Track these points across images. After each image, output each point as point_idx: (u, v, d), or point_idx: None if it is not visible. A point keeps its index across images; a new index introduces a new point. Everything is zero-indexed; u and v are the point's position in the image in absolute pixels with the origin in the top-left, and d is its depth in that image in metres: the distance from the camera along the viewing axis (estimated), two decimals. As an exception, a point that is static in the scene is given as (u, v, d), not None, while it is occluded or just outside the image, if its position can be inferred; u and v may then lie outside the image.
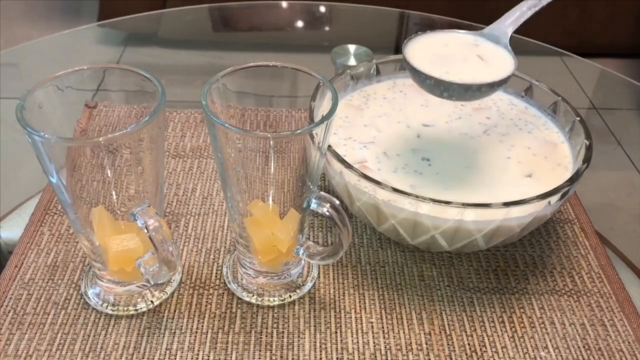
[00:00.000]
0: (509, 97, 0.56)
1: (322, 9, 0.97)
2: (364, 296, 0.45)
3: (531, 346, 0.42)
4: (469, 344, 0.42)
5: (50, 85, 0.38)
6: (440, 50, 0.47)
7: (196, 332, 0.42)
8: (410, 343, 0.42)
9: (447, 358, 0.41)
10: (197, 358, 0.40)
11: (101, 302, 0.43)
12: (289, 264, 0.44)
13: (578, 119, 0.49)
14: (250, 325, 0.43)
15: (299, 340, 0.42)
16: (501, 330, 0.43)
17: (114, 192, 0.39)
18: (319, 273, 0.47)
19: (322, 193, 0.39)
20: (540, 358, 0.42)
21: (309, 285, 0.45)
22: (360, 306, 0.44)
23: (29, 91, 0.37)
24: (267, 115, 0.54)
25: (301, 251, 0.42)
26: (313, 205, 0.39)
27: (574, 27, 1.55)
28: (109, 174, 0.38)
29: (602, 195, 0.67)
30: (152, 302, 0.44)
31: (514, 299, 0.45)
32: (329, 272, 0.47)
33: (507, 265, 0.48)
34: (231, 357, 0.41)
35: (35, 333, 0.42)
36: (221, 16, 1.01)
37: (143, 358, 0.40)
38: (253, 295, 0.44)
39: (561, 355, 0.42)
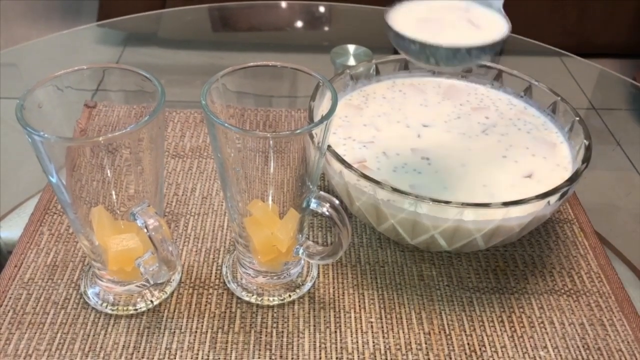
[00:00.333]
0: (508, 97, 0.56)
1: (322, 9, 0.97)
2: (363, 296, 0.45)
3: (530, 346, 0.42)
4: (468, 344, 0.42)
5: (50, 85, 0.38)
6: (427, 16, 0.43)
7: (196, 331, 0.42)
8: (410, 343, 0.42)
9: (446, 358, 0.41)
10: (197, 357, 0.40)
11: (101, 301, 0.43)
12: (289, 263, 0.44)
13: (577, 119, 0.50)
14: (250, 324, 0.43)
15: (298, 340, 0.42)
16: (500, 330, 0.43)
17: (113, 192, 0.39)
18: (318, 273, 0.47)
19: (322, 193, 0.39)
20: (540, 358, 0.42)
21: (308, 285, 0.45)
22: (359, 306, 0.44)
23: (29, 91, 0.37)
24: (267, 115, 0.55)
25: (301, 251, 0.42)
26: (313, 205, 0.39)
27: (573, 27, 1.55)
28: (109, 174, 0.38)
29: (601, 195, 0.67)
30: (151, 301, 0.44)
31: (514, 299, 0.46)
32: (329, 272, 0.47)
33: (507, 265, 0.48)
34: (231, 356, 0.41)
35: (35, 333, 0.42)
36: (221, 16, 1.01)
37: (143, 358, 0.40)
38: (253, 295, 0.44)
39: (560, 355, 0.42)
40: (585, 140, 0.47)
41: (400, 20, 0.42)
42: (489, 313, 0.44)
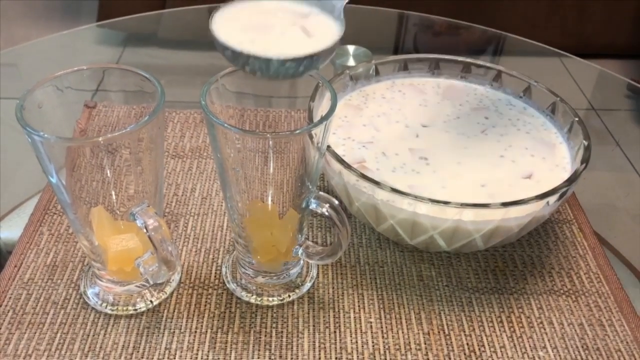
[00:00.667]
0: (507, 97, 0.56)
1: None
2: (362, 296, 0.45)
3: (530, 346, 0.42)
4: (467, 344, 0.42)
5: (49, 85, 0.38)
6: (258, 19, 0.39)
7: (195, 331, 0.42)
8: (409, 343, 0.42)
9: (445, 358, 0.41)
10: (197, 358, 0.40)
11: (100, 301, 0.43)
12: (288, 263, 0.44)
13: (576, 119, 0.50)
14: (250, 325, 0.43)
15: (298, 340, 0.42)
16: (500, 330, 0.43)
17: (113, 192, 0.39)
18: (318, 273, 0.47)
19: (321, 193, 0.39)
20: (539, 358, 0.42)
21: (308, 285, 0.46)
22: (359, 306, 0.44)
23: (29, 91, 0.37)
24: (267, 116, 0.55)
25: (300, 251, 0.42)
26: (312, 206, 0.39)
27: (572, 28, 1.55)
28: (109, 174, 0.38)
29: (600, 195, 0.67)
30: (151, 301, 0.44)
31: (513, 299, 0.46)
32: (328, 272, 0.47)
33: (506, 266, 0.48)
34: (230, 356, 0.41)
35: (35, 333, 0.42)
36: (220, 16, 1.01)
37: (142, 358, 0.40)
38: (252, 295, 0.44)
39: (559, 355, 0.42)
40: (584, 141, 0.47)
41: (229, 22, 0.38)
42: (488, 313, 0.44)
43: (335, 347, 0.42)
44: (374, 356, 0.41)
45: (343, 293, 0.45)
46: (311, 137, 0.37)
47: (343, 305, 0.44)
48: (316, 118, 0.46)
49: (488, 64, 0.57)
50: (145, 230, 0.37)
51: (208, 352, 0.41)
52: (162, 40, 0.97)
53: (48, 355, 0.40)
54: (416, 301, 0.45)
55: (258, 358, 0.41)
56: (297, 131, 0.37)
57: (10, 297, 0.44)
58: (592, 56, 1.08)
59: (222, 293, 0.45)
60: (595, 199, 0.63)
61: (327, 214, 0.39)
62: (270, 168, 0.38)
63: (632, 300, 0.46)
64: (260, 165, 0.38)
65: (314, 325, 0.43)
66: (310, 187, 0.40)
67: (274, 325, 0.43)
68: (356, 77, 0.56)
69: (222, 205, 0.52)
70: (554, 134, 0.52)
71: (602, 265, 0.49)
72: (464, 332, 0.43)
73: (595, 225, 0.53)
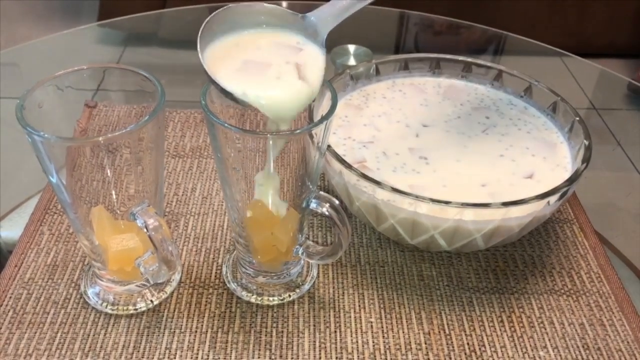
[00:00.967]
0: (508, 96, 0.56)
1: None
2: (363, 296, 0.45)
3: (530, 346, 0.42)
4: (468, 344, 0.42)
5: (50, 85, 0.38)
6: (254, 57, 0.38)
7: (196, 331, 0.42)
8: (410, 343, 0.42)
9: (446, 358, 0.41)
10: (197, 357, 0.40)
11: (101, 301, 0.43)
12: (289, 263, 0.44)
13: (577, 119, 0.50)
14: (250, 324, 0.43)
15: (298, 340, 0.42)
16: (500, 330, 0.43)
17: (113, 192, 0.39)
18: (318, 273, 0.47)
19: (322, 193, 0.39)
20: (540, 358, 0.42)
21: (308, 284, 0.45)
22: (359, 306, 0.44)
23: (29, 91, 0.37)
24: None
25: (300, 251, 0.42)
26: (312, 205, 0.39)
27: (573, 28, 1.55)
28: (109, 174, 0.38)
29: (601, 195, 0.67)
30: (151, 301, 0.44)
31: (513, 299, 0.46)
32: (329, 272, 0.47)
33: (507, 265, 0.48)
34: (231, 356, 0.41)
35: (35, 332, 0.42)
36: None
37: (143, 357, 0.40)
38: (252, 295, 0.44)
39: (560, 355, 0.42)
40: (585, 140, 0.47)
41: (221, 62, 0.37)
42: (489, 313, 0.44)
43: (336, 347, 0.41)
44: (375, 356, 0.41)
45: (343, 293, 0.45)
46: (311, 136, 0.37)
47: (343, 305, 0.44)
48: (316, 118, 0.46)
49: (489, 64, 0.57)
50: (145, 230, 0.37)
51: (208, 351, 0.41)
52: (162, 40, 0.97)
53: (48, 355, 0.40)
54: (417, 301, 0.45)
55: (258, 358, 0.41)
56: (298, 131, 0.37)
57: (10, 297, 0.44)
58: (593, 55, 1.08)
59: (223, 293, 0.45)
60: (596, 198, 0.63)
61: (327, 213, 0.39)
62: (271, 168, 0.38)
63: (633, 300, 0.46)
64: (261, 164, 0.38)
65: (314, 325, 0.43)
66: (311, 186, 0.40)
67: (274, 325, 0.43)
68: (357, 76, 0.56)
69: (222, 205, 0.52)
70: (555, 133, 0.52)
71: (603, 265, 0.48)
72: (465, 331, 0.43)
73: (596, 225, 0.53)
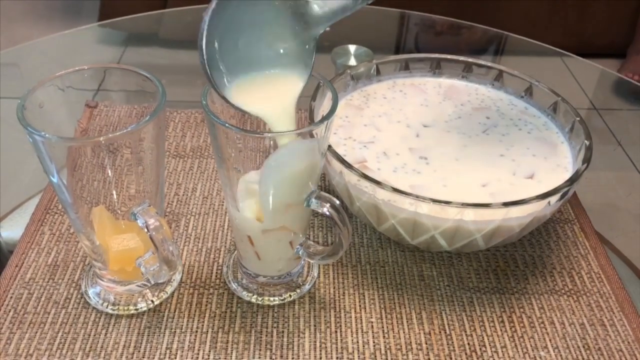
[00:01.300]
0: (509, 97, 0.56)
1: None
2: (363, 296, 0.45)
3: (531, 346, 0.42)
4: (468, 344, 0.42)
5: (51, 85, 0.38)
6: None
7: (196, 331, 0.42)
8: (410, 343, 0.42)
9: (446, 358, 0.41)
10: (197, 357, 0.40)
11: (101, 301, 0.43)
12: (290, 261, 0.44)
13: (578, 119, 0.50)
14: (250, 324, 0.43)
15: (298, 340, 0.42)
16: (501, 330, 0.43)
17: (114, 192, 0.39)
18: (318, 273, 0.47)
19: (322, 193, 0.39)
20: (540, 358, 0.42)
21: (309, 284, 0.45)
22: (360, 306, 0.44)
23: (30, 91, 0.37)
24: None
25: (301, 251, 0.42)
26: (313, 205, 0.39)
27: (574, 28, 1.55)
28: (110, 174, 0.38)
29: (602, 195, 0.67)
30: (152, 301, 0.44)
31: (514, 299, 0.46)
32: (329, 272, 0.47)
33: (507, 265, 0.48)
34: (231, 356, 0.41)
35: (36, 332, 0.42)
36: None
37: (143, 357, 0.40)
38: (253, 295, 0.44)
39: (561, 355, 0.42)
40: (586, 141, 0.47)
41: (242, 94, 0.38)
42: (489, 313, 0.44)
43: (337, 347, 0.41)
44: (375, 356, 0.41)
45: (344, 293, 0.45)
46: (312, 136, 0.37)
47: (344, 305, 0.44)
48: (317, 118, 0.47)
49: (489, 64, 0.57)
50: (146, 230, 0.37)
51: (209, 352, 0.41)
52: (163, 40, 0.97)
53: (49, 355, 0.40)
54: (417, 301, 0.45)
55: (259, 358, 0.41)
56: (298, 131, 0.37)
57: (11, 297, 0.44)
58: (594, 56, 1.08)
59: (223, 293, 0.45)
60: (597, 198, 0.63)
61: (328, 213, 0.39)
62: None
63: (634, 300, 0.46)
64: (262, 164, 0.38)
65: (315, 325, 0.43)
66: (312, 186, 0.40)
67: (275, 325, 0.43)
68: (357, 76, 0.56)
69: (223, 205, 0.52)
70: (556, 133, 0.52)
71: (604, 265, 0.48)
72: (465, 332, 0.43)
73: (597, 225, 0.53)
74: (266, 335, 0.42)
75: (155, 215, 0.38)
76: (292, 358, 0.41)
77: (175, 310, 0.43)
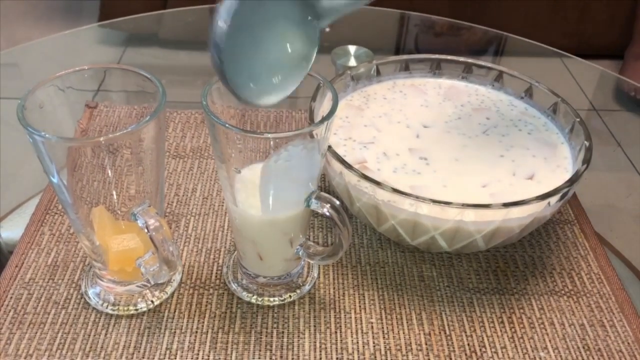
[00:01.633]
0: (509, 97, 0.56)
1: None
2: (363, 296, 0.45)
3: (531, 347, 0.42)
4: (468, 345, 0.42)
5: (51, 85, 0.38)
6: None
7: (196, 331, 0.42)
8: (410, 343, 0.42)
9: (446, 358, 0.41)
10: (197, 358, 0.40)
11: (101, 301, 0.43)
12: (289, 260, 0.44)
13: (578, 120, 0.50)
14: (250, 325, 0.43)
15: (298, 340, 0.42)
16: (501, 330, 0.43)
17: (114, 192, 0.39)
18: (318, 273, 0.47)
19: (322, 193, 0.39)
20: (540, 359, 0.42)
21: (308, 285, 0.46)
22: (360, 306, 0.44)
23: (30, 91, 0.37)
24: (268, 116, 0.54)
25: (301, 251, 0.42)
26: (313, 206, 0.39)
27: (573, 28, 1.55)
28: (110, 174, 0.38)
29: (601, 196, 0.67)
30: (152, 301, 0.44)
31: (514, 300, 0.46)
32: (329, 273, 0.47)
33: (507, 266, 0.48)
34: (231, 357, 0.41)
35: (36, 332, 0.42)
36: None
37: (143, 358, 0.40)
38: (253, 295, 0.44)
39: (561, 356, 0.42)
40: (585, 141, 0.47)
41: None
42: (489, 314, 0.44)
43: (336, 348, 0.42)
44: (375, 356, 0.41)
45: (344, 293, 0.45)
46: (312, 137, 0.37)
47: (344, 306, 0.44)
48: (317, 118, 0.46)
49: (489, 65, 0.57)
50: (146, 230, 0.37)
51: (209, 352, 0.41)
52: (163, 41, 0.97)
53: (49, 355, 0.40)
54: (417, 301, 0.45)
55: (259, 358, 0.41)
56: (298, 131, 0.37)
57: (11, 297, 0.44)
58: (594, 57, 1.08)
59: (223, 293, 0.45)
60: (597, 199, 0.63)
61: (328, 214, 0.39)
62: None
63: (633, 301, 0.46)
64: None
65: (314, 326, 0.43)
66: (312, 187, 0.40)
67: (274, 325, 0.43)
68: (357, 77, 0.56)
69: (223, 206, 0.52)
70: (556, 134, 0.52)
71: (603, 266, 0.49)
72: (465, 332, 0.43)
73: (597, 226, 0.53)
74: (266, 336, 0.42)
75: (155, 216, 0.38)
76: (292, 358, 0.41)
77: (175, 311, 0.43)
